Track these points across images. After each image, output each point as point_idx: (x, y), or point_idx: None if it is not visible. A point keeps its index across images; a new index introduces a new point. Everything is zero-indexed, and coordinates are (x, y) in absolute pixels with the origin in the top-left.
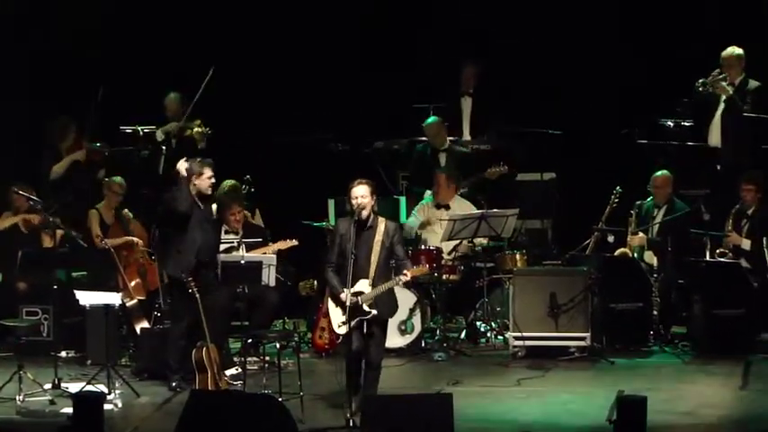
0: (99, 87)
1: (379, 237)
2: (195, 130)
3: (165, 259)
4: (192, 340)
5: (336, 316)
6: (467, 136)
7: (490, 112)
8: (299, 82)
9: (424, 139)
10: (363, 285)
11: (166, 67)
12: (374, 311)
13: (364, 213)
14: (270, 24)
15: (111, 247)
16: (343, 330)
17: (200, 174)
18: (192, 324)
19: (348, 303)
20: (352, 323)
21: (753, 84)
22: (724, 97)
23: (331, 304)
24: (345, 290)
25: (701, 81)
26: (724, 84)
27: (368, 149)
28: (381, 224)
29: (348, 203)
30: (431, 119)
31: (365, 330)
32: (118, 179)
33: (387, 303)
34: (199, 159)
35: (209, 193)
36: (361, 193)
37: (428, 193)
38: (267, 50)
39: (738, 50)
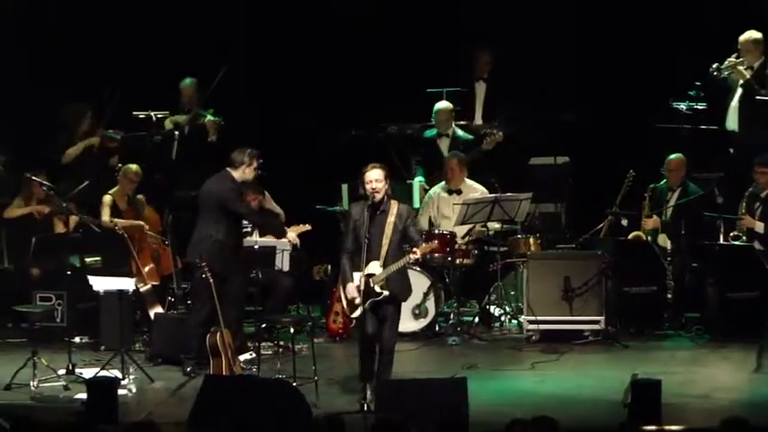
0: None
1: (391, 219)
2: (208, 118)
3: (197, 245)
4: (208, 326)
5: (347, 303)
6: (479, 120)
7: (502, 96)
8: (313, 66)
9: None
10: (374, 267)
11: (182, 52)
12: (386, 292)
13: (378, 197)
14: (284, 7)
15: (122, 229)
16: (356, 314)
17: (250, 164)
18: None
19: (360, 286)
20: (366, 305)
21: None
22: (741, 81)
23: (343, 291)
24: (357, 275)
25: (715, 65)
26: (741, 68)
27: (381, 134)
28: (394, 207)
29: (361, 188)
30: (442, 104)
31: (379, 314)
32: (134, 167)
33: (400, 286)
34: (248, 150)
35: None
36: (375, 177)
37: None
38: (282, 33)
39: (757, 34)
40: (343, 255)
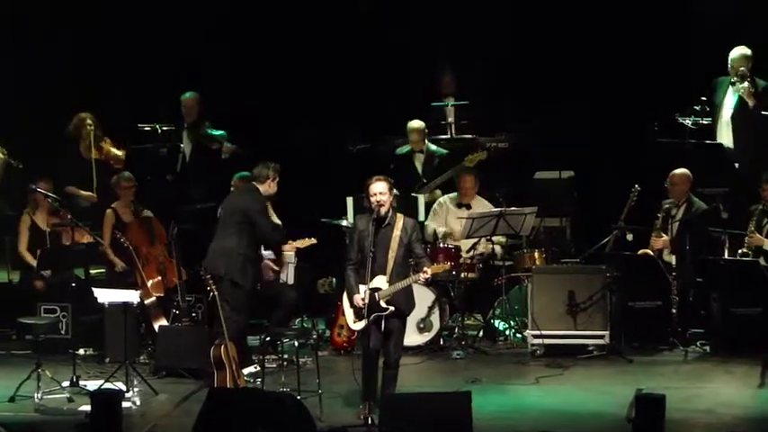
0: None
1: (397, 233)
2: (226, 145)
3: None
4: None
5: (351, 314)
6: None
7: (507, 110)
8: (319, 78)
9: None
10: (380, 281)
11: (184, 63)
12: (391, 308)
13: (383, 210)
14: (290, 19)
15: (128, 242)
16: (358, 326)
17: (274, 178)
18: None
19: (366, 300)
20: (370, 319)
21: (761, 83)
22: (737, 97)
23: (346, 303)
24: (362, 287)
25: (734, 79)
26: (746, 85)
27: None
28: (400, 221)
29: (366, 200)
30: (416, 123)
31: (383, 327)
32: (126, 174)
33: (405, 300)
34: (272, 165)
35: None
36: (380, 190)
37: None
38: (287, 45)
39: (746, 51)
40: (347, 267)
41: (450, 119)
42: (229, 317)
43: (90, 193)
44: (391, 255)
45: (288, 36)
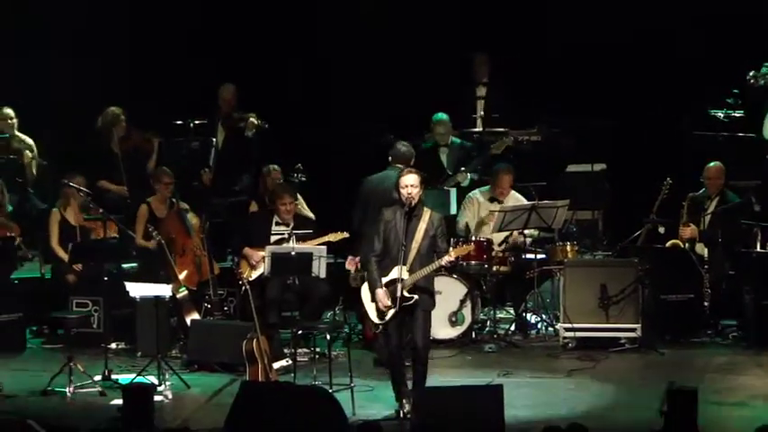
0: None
1: (423, 225)
2: (251, 120)
3: None
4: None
5: (372, 308)
6: (479, 127)
7: (539, 102)
8: (353, 71)
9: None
10: (402, 272)
11: (219, 59)
12: (415, 296)
13: (413, 202)
14: (325, 14)
15: (159, 236)
16: (384, 320)
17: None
18: None
19: (398, 293)
20: (396, 309)
21: None
22: None
23: (367, 297)
24: (384, 279)
25: (752, 73)
26: None
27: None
28: (426, 214)
29: (396, 192)
30: (441, 115)
31: (407, 324)
32: (164, 169)
33: (426, 295)
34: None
35: None
36: (411, 182)
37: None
38: (324, 40)
39: None
40: (370, 258)
41: (481, 112)
42: None
43: (120, 188)
44: (414, 245)
45: (315, 31)
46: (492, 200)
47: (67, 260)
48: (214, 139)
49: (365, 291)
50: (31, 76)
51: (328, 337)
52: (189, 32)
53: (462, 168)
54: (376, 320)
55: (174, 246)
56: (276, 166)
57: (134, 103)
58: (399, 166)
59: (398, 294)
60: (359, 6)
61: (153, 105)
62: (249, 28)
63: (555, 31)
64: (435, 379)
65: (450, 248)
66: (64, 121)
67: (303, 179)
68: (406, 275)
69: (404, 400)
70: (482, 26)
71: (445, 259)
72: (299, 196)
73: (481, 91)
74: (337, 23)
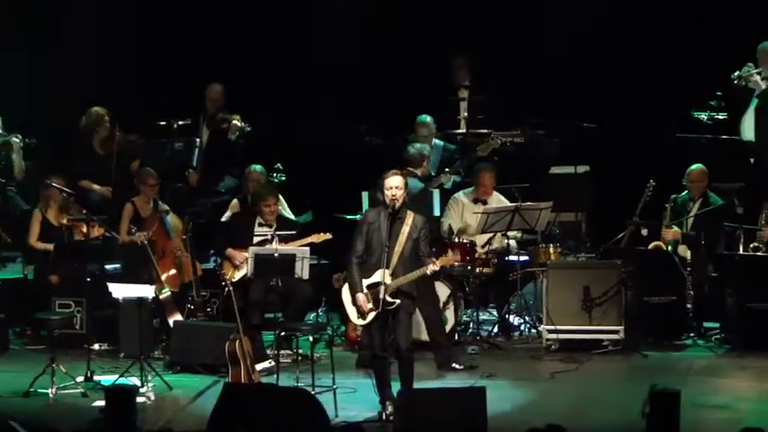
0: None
1: (406, 228)
2: (234, 123)
3: None
4: None
5: (353, 311)
6: (462, 128)
7: (523, 104)
8: (335, 73)
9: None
10: (384, 275)
11: (204, 59)
12: (397, 301)
13: (397, 204)
14: (307, 14)
15: (141, 237)
16: (360, 322)
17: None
18: None
19: (381, 295)
20: (376, 312)
21: None
22: (757, 92)
23: (347, 298)
24: (365, 282)
25: (736, 74)
26: (757, 78)
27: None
28: (410, 217)
29: (380, 194)
30: (424, 117)
31: (389, 326)
32: (149, 170)
33: (407, 299)
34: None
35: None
36: (396, 184)
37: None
38: (304, 41)
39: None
40: (352, 259)
41: (464, 113)
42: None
43: (104, 188)
44: (398, 248)
45: (307, 29)
46: (476, 201)
47: (50, 261)
48: (198, 140)
49: (345, 292)
50: (11, 76)
51: (311, 338)
52: (174, 33)
53: (447, 169)
54: (356, 321)
55: (155, 248)
56: (258, 167)
57: (119, 104)
58: (411, 169)
59: (381, 297)
60: (354, 7)
61: (137, 106)
62: (235, 27)
63: (538, 33)
64: (418, 380)
65: (435, 258)
66: (47, 121)
67: (282, 179)
68: (388, 279)
69: (387, 402)
70: (464, 28)
71: (430, 268)
72: (280, 198)
73: (463, 93)
74: (323, 23)
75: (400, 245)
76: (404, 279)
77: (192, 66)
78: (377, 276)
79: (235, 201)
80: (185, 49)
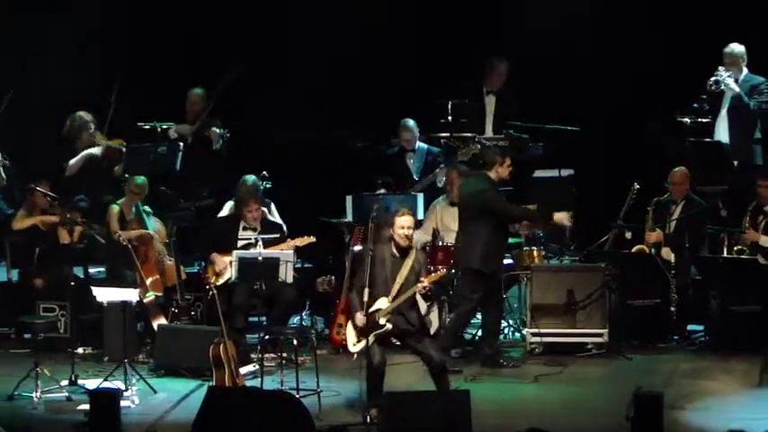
0: (115, 82)
1: (410, 261)
2: (212, 130)
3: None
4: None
5: (352, 335)
6: (489, 133)
7: (508, 108)
8: (320, 78)
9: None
10: (382, 303)
11: (187, 62)
12: (389, 326)
13: (407, 243)
14: (292, 19)
15: (127, 240)
16: (355, 349)
17: (502, 162)
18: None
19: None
20: (370, 339)
21: (757, 79)
22: (729, 94)
23: (350, 324)
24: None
25: (712, 80)
26: (730, 81)
27: (388, 147)
28: (413, 251)
29: (389, 229)
30: (408, 121)
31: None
32: (140, 180)
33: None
34: (495, 149)
35: None
36: (408, 224)
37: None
38: (288, 46)
39: (738, 47)
40: (354, 289)
41: (449, 117)
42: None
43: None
44: (399, 280)
45: (291, 33)
46: (453, 204)
47: (34, 265)
48: (181, 144)
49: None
50: None
51: (295, 342)
52: (160, 37)
53: (442, 165)
54: (351, 349)
55: (137, 253)
56: (251, 178)
57: (103, 108)
58: (485, 172)
59: (375, 321)
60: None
61: (121, 110)
62: (219, 33)
63: (519, 36)
64: (401, 384)
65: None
66: (31, 124)
67: (268, 186)
68: (385, 304)
69: (372, 408)
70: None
71: (419, 286)
72: (271, 204)
73: (491, 99)
74: (310, 27)
75: (402, 276)
76: (396, 302)
77: (179, 68)
78: (378, 304)
79: (230, 203)
80: (174, 51)
